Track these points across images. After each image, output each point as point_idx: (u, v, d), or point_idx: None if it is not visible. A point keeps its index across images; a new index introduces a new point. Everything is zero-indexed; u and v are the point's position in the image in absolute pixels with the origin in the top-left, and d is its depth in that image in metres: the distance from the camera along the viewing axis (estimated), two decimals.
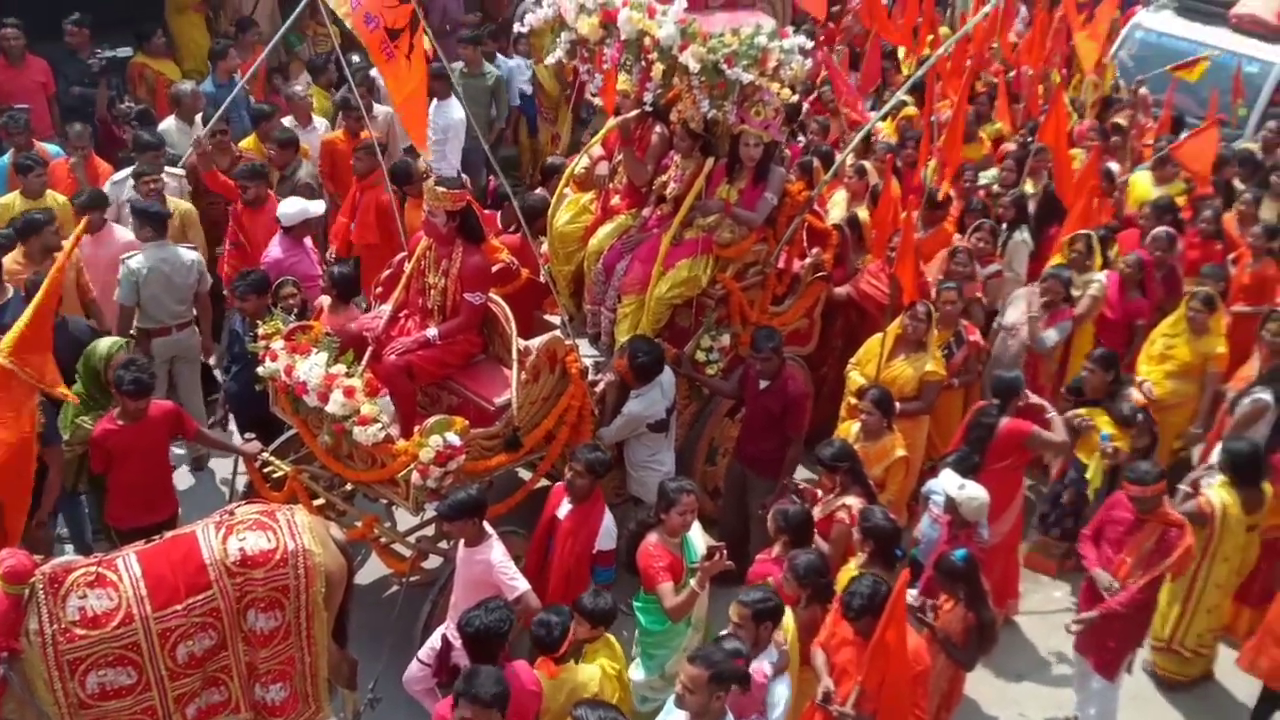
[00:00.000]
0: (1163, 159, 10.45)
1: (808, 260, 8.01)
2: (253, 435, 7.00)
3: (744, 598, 5.32)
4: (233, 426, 7.85)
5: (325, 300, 7.34)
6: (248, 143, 9.58)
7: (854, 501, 6.29)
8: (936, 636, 5.74)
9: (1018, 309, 8.35)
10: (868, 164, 9.75)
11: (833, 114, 11.34)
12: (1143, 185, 10.42)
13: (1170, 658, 7.14)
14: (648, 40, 6.74)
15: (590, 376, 7.03)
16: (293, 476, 6.87)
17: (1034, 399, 7.15)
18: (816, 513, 6.43)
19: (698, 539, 6.03)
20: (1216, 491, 6.80)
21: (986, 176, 9.90)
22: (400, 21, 7.03)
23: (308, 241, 8.34)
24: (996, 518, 6.70)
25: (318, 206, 8.49)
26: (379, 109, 10.46)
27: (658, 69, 6.76)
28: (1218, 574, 6.86)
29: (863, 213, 9.19)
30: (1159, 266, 8.89)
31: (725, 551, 5.70)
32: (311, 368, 6.49)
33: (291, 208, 8.17)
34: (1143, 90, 12.28)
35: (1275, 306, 8.34)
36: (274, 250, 8.12)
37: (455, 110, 9.64)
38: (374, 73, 11.12)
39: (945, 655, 5.79)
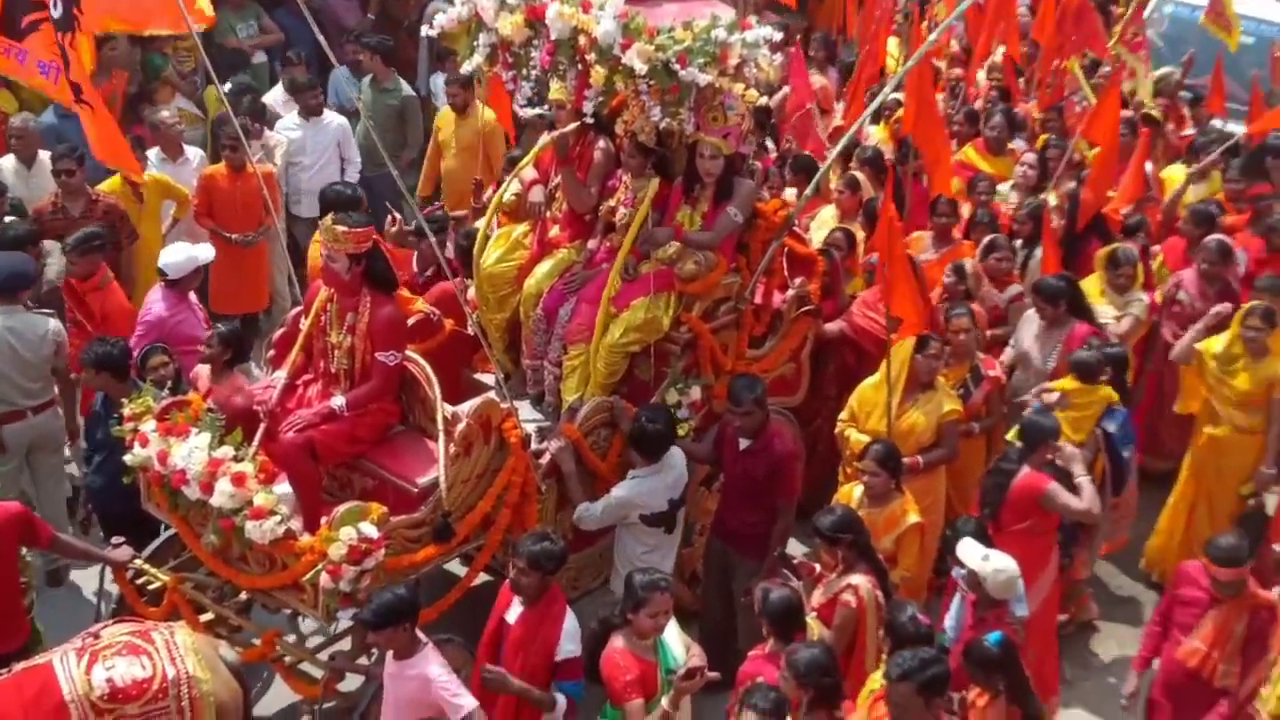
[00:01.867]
0: (1195, 149, 10.64)
1: (791, 292, 8.04)
2: (122, 539, 6.91)
3: (757, 702, 5.27)
4: (97, 529, 7.75)
5: (203, 369, 7.28)
6: (110, 184, 9.55)
7: (861, 580, 6.27)
8: None
9: (1029, 331, 8.45)
10: (859, 174, 9.85)
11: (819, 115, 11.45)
12: (1177, 183, 10.55)
13: None
14: (583, 39, 6.80)
15: (534, 446, 7.01)
16: (172, 587, 6.76)
17: (1068, 450, 7.19)
18: (816, 596, 6.42)
19: (674, 640, 5.97)
20: None
21: (1005, 190, 10.04)
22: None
23: (192, 296, 8.34)
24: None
25: (206, 252, 8.48)
26: (271, 136, 10.47)
27: (597, 73, 6.81)
28: None
29: (857, 232, 9.27)
30: (1211, 281, 9.00)
31: (706, 669, 5.66)
32: (191, 452, 6.41)
33: (177, 255, 8.19)
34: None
35: None
36: (155, 306, 8.14)
37: (331, 121, 9.81)
38: (268, 97, 11.21)
39: None
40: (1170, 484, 8.64)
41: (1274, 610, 6.33)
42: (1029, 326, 8.46)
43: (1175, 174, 10.69)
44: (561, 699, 5.92)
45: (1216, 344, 8.27)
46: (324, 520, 6.21)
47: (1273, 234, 9.52)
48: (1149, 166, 10.67)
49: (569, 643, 6.00)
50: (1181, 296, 9.05)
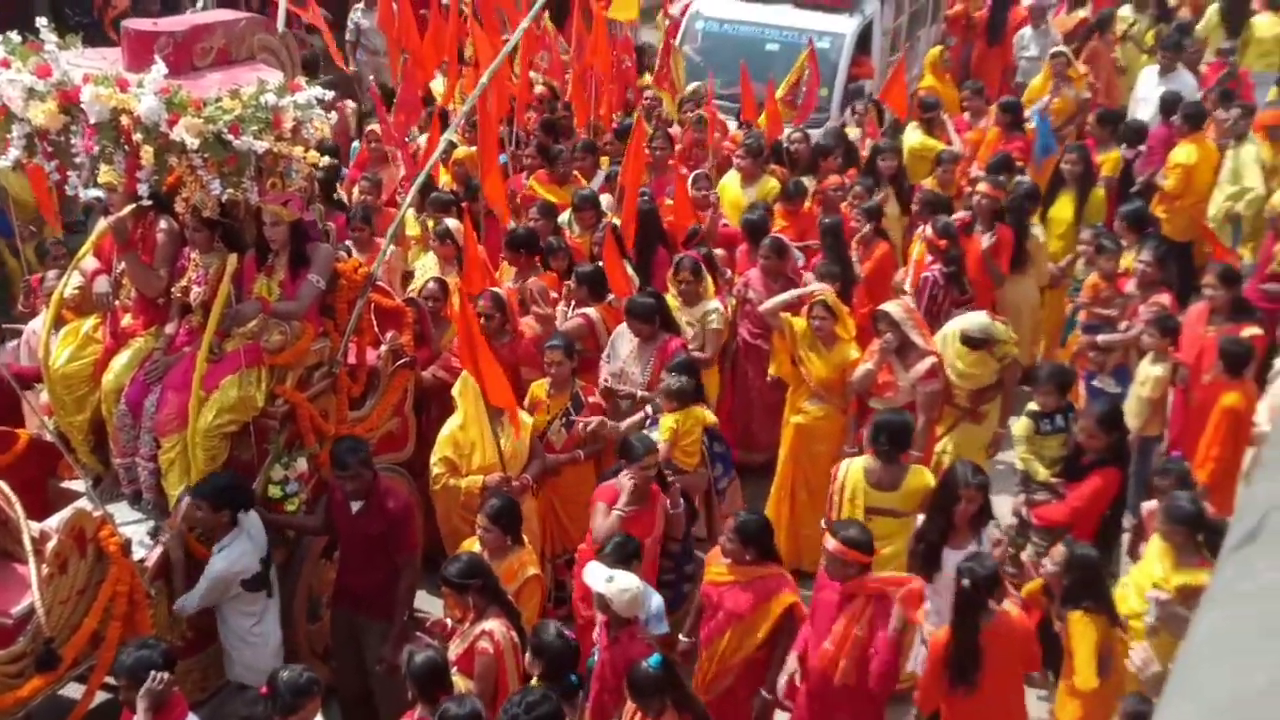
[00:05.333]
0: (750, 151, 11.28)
1: (384, 348, 7.92)
2: None
3: None
4: None
5: None
6: None
7: (495, 625, 6.21)
8: None
9: (624, 348, 8.65)
10: (453, 222, 9.82)
11: (382, 163, 11.41)
12: (731, 190, 11.11)
13: None
14: (126, 119, 6.45)
15: (139, 551, 6.58)
16: None
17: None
18: (453, 648, 6.33)
19: None
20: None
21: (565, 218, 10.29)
22: None
23: None
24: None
25: None
26: None
27: (147, 152, 6.46)
28: None
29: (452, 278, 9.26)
30: (774, 277, 9.50)
31: None
32: None
33: None
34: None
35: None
36: None
37: None
38: None
39: None
40: (770, 475, 9.05)
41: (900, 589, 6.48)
42: (623, 344, 8.64)
43: (730, 181, 11.24)
44: None
45: (800, 325, 8.70)
46: None
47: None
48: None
49: None
50: (751, 295, 9.52)
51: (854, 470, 7.44)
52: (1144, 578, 6.56)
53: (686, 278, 9.03)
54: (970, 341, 8.61)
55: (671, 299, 8.97)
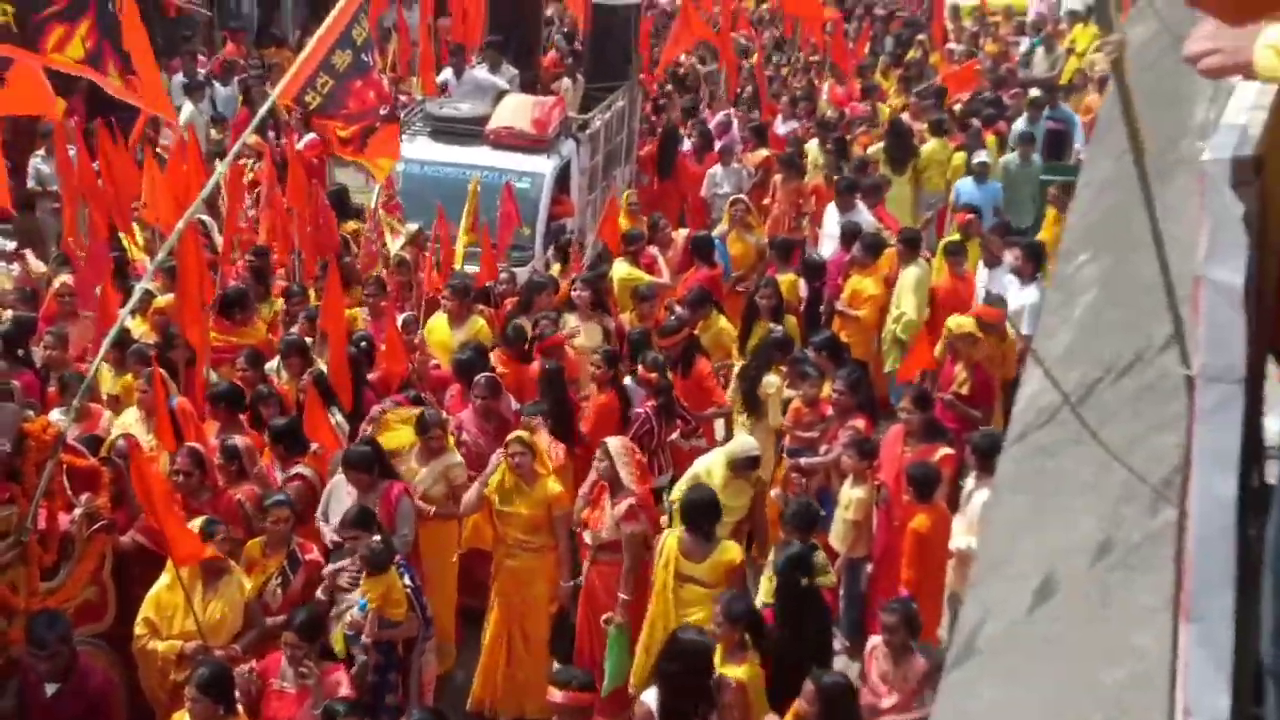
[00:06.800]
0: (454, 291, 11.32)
1: (78, 511, 7.49)
2: None
3: None
4: None
5: None
6: None
7: None
8: None
9: (341, 499, 8.40)
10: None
11: (71, 317, 10.93)
12: (440, 331, 11.04)
13: None
14: None
15: None
16: None
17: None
18: None
19: None
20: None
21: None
22: None
23: None
24: None
25: None
26: None
27: None
28: None
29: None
30: (488, 417, 9.49)
31: None
32: None
33: None
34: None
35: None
36: None
37: None
38: None
39: None
40: None
41: None
42: (342, 496, 8.35)
43: (437, 323, 11.23)
44: None
45: (495, 479, 8.51)
46: None
47: None
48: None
49: None
50: (465, 438, 9.41)
51: (670, 540, 7.83)
52: None
53: (438, 435, 8.82)
54: (742, 464, 8.78)
55: (405, 438, 8.89)
